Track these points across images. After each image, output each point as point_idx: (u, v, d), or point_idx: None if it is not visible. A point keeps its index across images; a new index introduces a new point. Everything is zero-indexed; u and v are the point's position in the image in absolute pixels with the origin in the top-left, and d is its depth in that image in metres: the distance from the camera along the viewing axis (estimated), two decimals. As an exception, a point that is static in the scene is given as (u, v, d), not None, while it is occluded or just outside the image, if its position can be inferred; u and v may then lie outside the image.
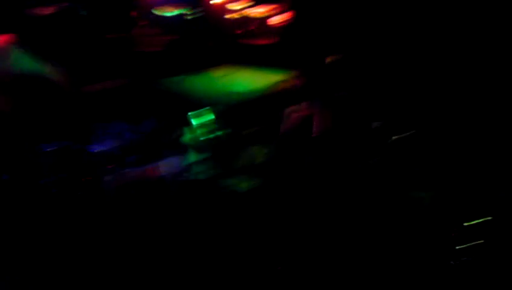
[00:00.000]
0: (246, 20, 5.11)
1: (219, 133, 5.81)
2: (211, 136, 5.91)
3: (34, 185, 5.31)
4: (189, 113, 6.07)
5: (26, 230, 4.94)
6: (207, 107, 6.06)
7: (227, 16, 5.05)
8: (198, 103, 6.63)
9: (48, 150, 5.51)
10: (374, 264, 4.37)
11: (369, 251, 4.44)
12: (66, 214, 5.16)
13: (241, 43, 5.81)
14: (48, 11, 5.48)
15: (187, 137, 6.09)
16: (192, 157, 5.79)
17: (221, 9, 5.01)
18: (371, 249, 4.48)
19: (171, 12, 5.08)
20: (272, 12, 5.01)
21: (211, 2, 4.86)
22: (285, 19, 5.09)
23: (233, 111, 6.86)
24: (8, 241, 4.81)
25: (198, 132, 5.92)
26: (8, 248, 4.72)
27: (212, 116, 5.92)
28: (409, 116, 5.15)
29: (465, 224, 4.69)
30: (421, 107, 5.51)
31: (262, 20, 5.09)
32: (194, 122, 6.07)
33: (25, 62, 6.62)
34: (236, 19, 5.09)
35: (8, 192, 5.17)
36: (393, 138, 4.68)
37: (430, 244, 4.89)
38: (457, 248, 4.61)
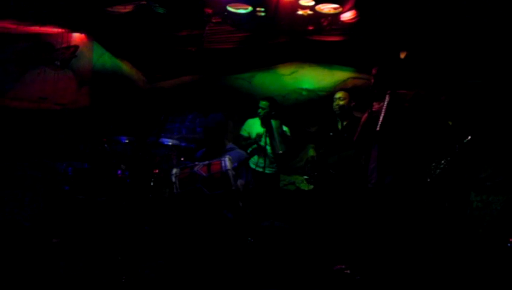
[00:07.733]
0: (318, 16, 5.10)
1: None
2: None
3: (110, 174, 5.54)
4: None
5: (103, 216, 5.17)
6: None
7: (299, 12, 5.05)
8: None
9: (124, 141, 5.73)
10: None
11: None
12: (138, 202, 5.36)
13: (311, 39, 5.80)
14: (126, 9, 5.62)
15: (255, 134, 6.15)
16: (256, 153, 5.85)
17: (293, 5, 5.02)
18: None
19: (245, 9, 5.16)
20: (344, 8, 4.98)
21: (284, -1, 4.89)
22: (357, 15, 5.05)
23: (300, 108, 6.89)
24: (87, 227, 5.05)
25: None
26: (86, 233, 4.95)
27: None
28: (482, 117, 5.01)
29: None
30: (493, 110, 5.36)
31: (334, 16, 5.06)
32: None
33: (103, 59, 6.92)
34: (308, 15, 5.08)
35: (88, 180, 5.42)
36: (466, 140, 4.53)
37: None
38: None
